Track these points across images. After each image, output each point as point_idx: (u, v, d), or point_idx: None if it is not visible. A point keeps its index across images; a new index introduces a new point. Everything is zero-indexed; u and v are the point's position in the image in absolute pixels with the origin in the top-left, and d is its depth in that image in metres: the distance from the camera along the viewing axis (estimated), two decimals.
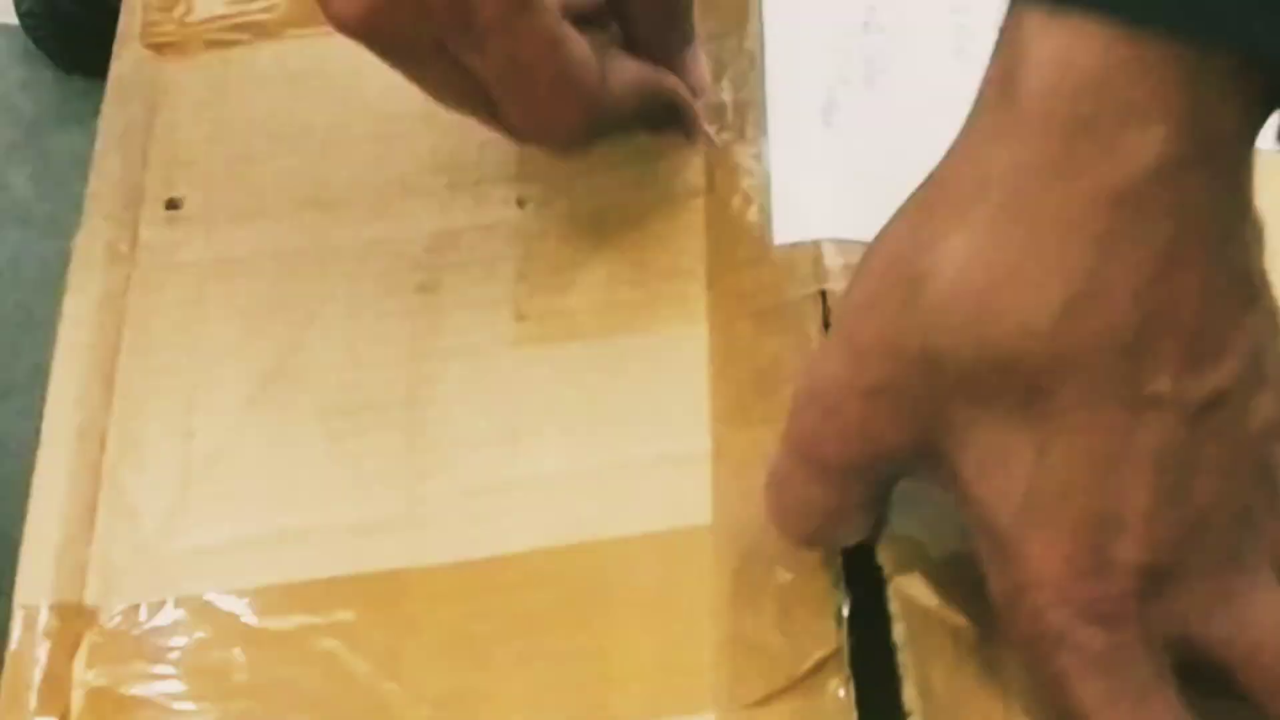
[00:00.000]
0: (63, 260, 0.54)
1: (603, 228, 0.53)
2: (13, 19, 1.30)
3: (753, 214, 0.52)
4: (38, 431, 0.51)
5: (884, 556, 0.44)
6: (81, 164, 1.12)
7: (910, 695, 0.42)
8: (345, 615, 0.47)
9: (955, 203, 0.39)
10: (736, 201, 0.52)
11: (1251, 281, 0.39)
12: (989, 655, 0.43)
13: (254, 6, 0.59)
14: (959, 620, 0.44)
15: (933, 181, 0.40)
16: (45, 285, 1.22)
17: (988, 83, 0.39)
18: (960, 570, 0.43)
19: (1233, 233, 0.39)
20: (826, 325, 0.49)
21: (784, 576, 0.45)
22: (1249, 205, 0.39)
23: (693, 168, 0.53)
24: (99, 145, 0.57)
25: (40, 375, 0.50)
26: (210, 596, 0.48)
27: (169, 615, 0.48)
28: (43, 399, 0.50)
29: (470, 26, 0.46)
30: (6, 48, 1.27)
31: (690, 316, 0.50)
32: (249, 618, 0.48)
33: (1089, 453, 0.38)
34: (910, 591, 0.44)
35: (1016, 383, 0.39)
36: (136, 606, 0.48)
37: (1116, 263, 0.38)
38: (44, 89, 1.22)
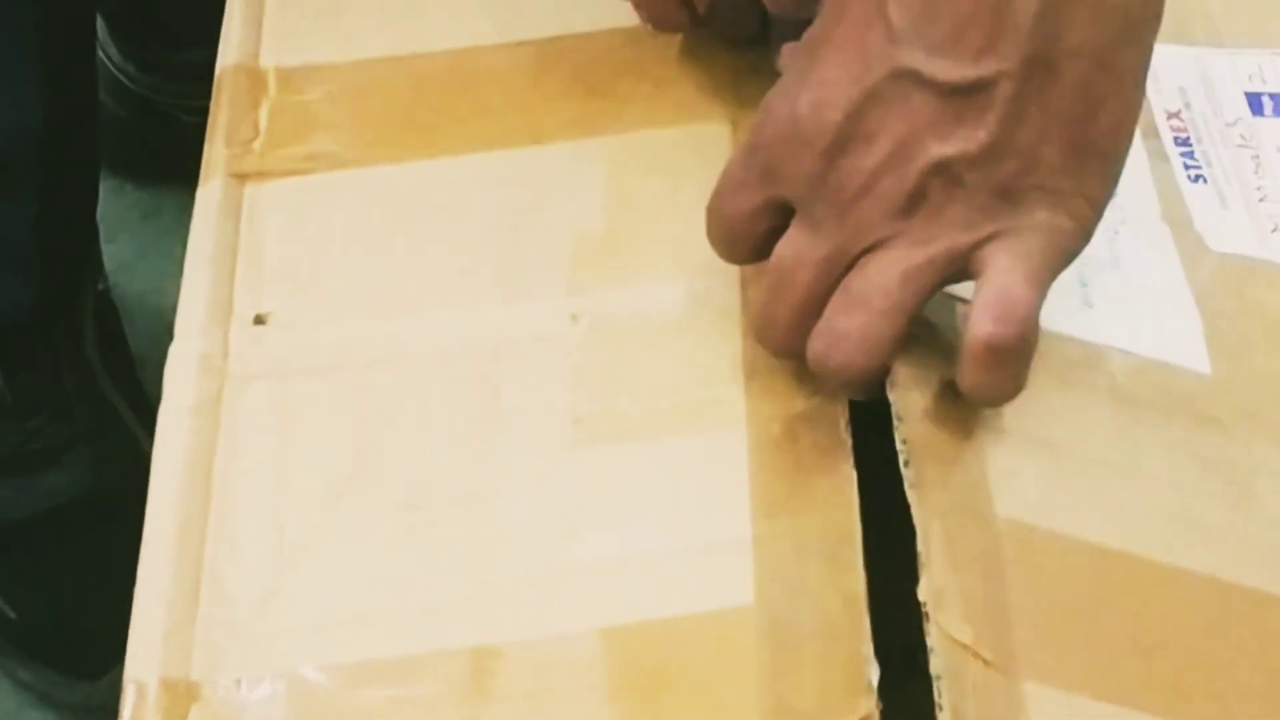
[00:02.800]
0: None
1: (647, 340, 0.59)
2: None
3: None
4: None
5: (924, 593, 0.50)
6: (126, 271, 1.17)
7: None
8: (424, 689, 0.53)
9: None
10: None
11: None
12: (1018, 689, 0.49)
13: (322, 138, 0.65)
14: (990, 654, 0.49)
15: None
16: None
17: None
18: (992, 610, 0.49)
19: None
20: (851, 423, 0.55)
21: (820, 649, 0.51)
22: None
23: (728, 283, 0.59)
24: (188, 263, 0.62)
25: None
26: (303, 671, 0.53)
27: (266, 689, 0.53)
28: None
29: None
30: None
31: (730, 419, 0.56)
32: (337, 690, 0.53)
33: None
34: (947, 627, 0.49)
35: None
36: (238, 681, 0.54)
37: None
38: None
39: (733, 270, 0.59)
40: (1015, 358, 0.52)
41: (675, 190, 0.62)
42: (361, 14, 0.69)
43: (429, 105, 0.66)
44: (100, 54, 1.25)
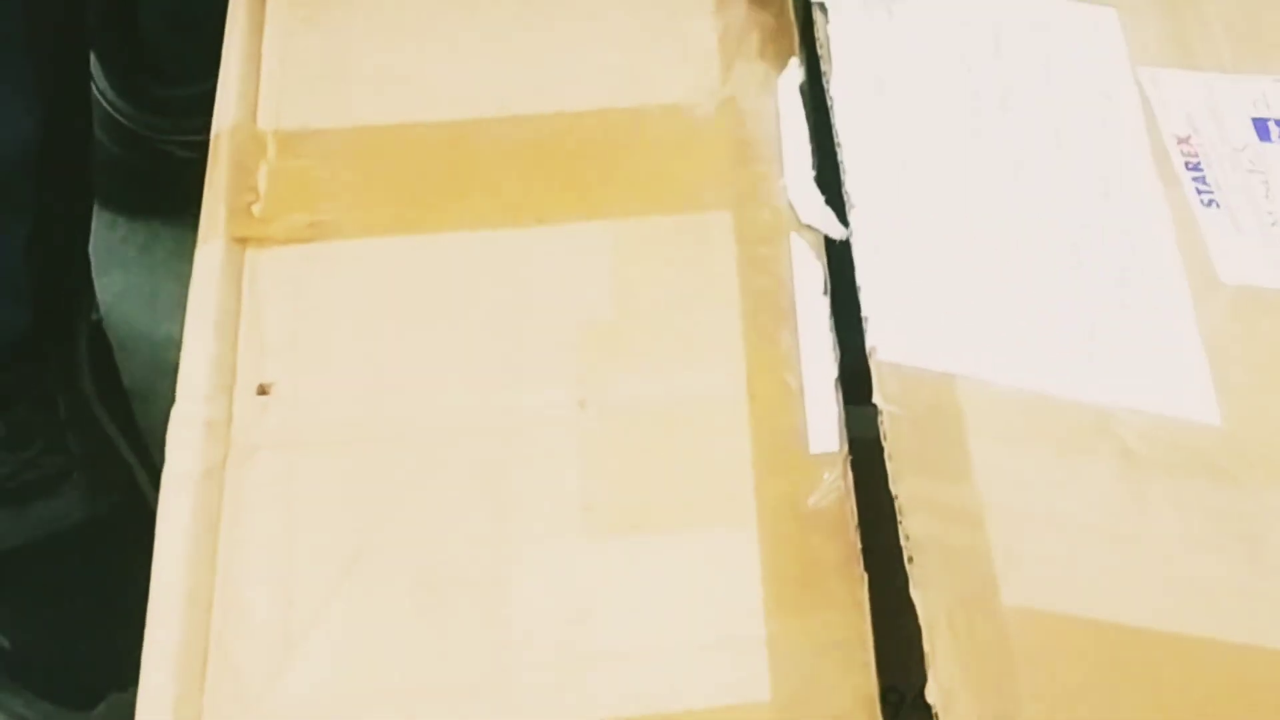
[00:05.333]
0: None
1: (656, 431, 0.59)
2: None
3: (790, 422, 0.59)
4: None
5: (932, 696, 0.51)
6: (120, 304, 1.15)
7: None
8: None
9: None
10: (775, 409, 0.59)
11: None
12: None
13: (323, 206, 0.66)
14: None
15: None
16: None
17: None
18: (1004, 703, 0.51)
19: None
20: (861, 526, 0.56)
21: None
22: None
23: (737, 377, 0.60)
24: (188, 327, 0.62)
25: None
26: None
27: None
28: None
29: None
30: None
31: (740, 515, 0.57)
32: None
33: None
34: None
35: None
36: None
37: None
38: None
39: (739, 365, 0.61)
40: None
41: (679, 279, 0.63)
42: (361, 79, 0.69)
43: (431, 177, 0.66)
44: (95, 90, 1.25)
